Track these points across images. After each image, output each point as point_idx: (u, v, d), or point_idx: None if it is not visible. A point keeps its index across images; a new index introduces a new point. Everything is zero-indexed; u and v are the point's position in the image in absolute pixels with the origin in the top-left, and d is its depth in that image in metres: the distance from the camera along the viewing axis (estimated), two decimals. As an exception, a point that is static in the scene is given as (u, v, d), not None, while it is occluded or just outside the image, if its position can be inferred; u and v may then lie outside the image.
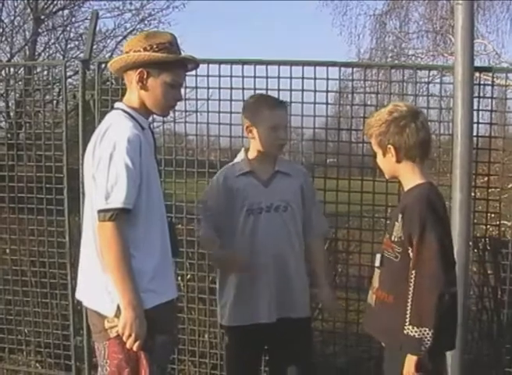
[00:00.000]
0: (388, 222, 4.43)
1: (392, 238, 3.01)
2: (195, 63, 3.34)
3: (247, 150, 3.88)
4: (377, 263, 3.15)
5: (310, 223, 3.89)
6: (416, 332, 2.82)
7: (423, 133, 3.03)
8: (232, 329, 3.85)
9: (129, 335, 2.92)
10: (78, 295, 3.27)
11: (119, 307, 2.93)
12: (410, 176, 3.08)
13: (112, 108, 3.30)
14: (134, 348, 2.95)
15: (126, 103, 3.18)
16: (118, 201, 2.90)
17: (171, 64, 3.12)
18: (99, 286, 3.02)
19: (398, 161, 3.05)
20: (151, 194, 3.05)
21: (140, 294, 2.94)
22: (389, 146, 3.03)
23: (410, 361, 2.87)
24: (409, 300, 2.87)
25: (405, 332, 2.86)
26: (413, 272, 2.87)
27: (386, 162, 3.10)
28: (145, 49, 3.07)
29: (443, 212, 3.01)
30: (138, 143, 2.97)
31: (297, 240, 3.82)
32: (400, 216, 2.98)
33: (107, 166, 2.92)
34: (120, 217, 2.91)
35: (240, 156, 3.88)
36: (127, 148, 2.92)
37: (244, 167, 3.81)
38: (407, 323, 2.86)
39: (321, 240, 4.09)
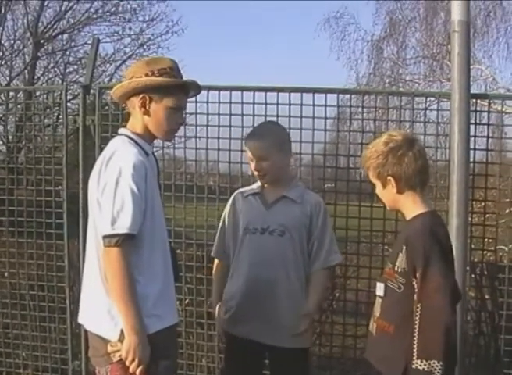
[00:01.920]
0: (386, 247, 4.45)
1: (396, 269, 2.98)
2: (197, 88, 3.36)
3: None
4: (380, 293, 3.11)
5: (317, 254, 3.82)
6: (425, 365, 2.79)
7: (421, 161, 3.01)
8: (229, 335, 3.94)
9: (133, 360, 2.93)
10: (80, 319, 3.27)
11: (122, 331, 2.94)
12: (411, 206, 3.05)
13: (112, 133, 3.31)
14: (137, 373, 2.96)
15: (129, 129, 3.20)
16: (124, 226, 2.91)
17: (173, 89, 3.14)
18: (102, 310, 3.02)
19: (399, 192, 3.03)
20: (154, 220, 3.07)
21: (144, 319, 2.95)
22: (389, 177, 3.01)
23: None
24: (415, 334, 2.84)
25: (413, 367, 2.82)
26: (418, 305, 2.85)
27: (387, 194, 3.08)
28: (146, 75, 3.10)
29: (446, 242, 2.99)
30: (143, 169, 2.99)
31: (294, 267, 3.77)
32: (404, 247, 2.94)
33: (113, 192, 2.94)
34: (126, 243, 2.91)
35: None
36: (133, 174, 2.94)
37: (254, 189, 3.90)
38: (414, 357, 2.82)
39: (325, 272, 3.88)
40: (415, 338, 2.84)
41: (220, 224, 4.01)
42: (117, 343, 2.97)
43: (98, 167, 3.10)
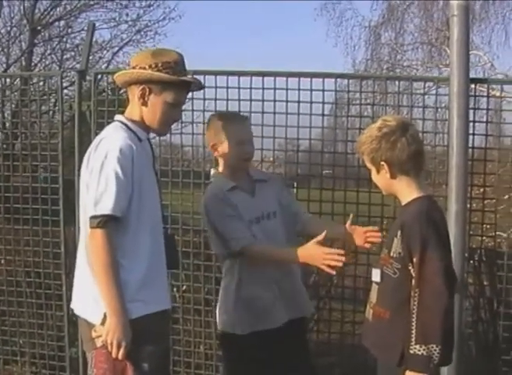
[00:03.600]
0: (384, 233, 4.42)
1: (391, 254, 2.98)
2: (198, 86, 3.42)
3: (217, 169, 3.87)
4: (376, 278, 3.10)
5: (299, 211, 3.96)
6: (424, 350, 2.79)
7: (414, 146, 3.00)
8: (244, 337, 3.75)
9: (112, 342, 2.93)
10: (72, 304, 3.29)
11: (105, 315, 2.95)
12: (406, 191, 3.05)
13: (108, 118, 3.32)
14: (119, 357, 2.95)
15: (126, 116, 3.23)
16: (106, 208, 2.93)
17: (173, 84, 3.15)
18: (88, 294, 3.04)
19: (392, 177, 3.02)
20: (143, 205, 3.06)
21: (127, 304, 2.96)
22: (382, 163, 3.01)
23: None
24: (413, 318, 2.85)
25: (411, 352, 2.82)
26: (416, 290, 2.85)
27: (381, 179, 3.08)
28: (150, 67, 3.12)
29: (443, 227, 2.99)
30: (130, 153, 3.00)
31: (287, 241, 3.79)
32: (399, 232, 2.94)
33: (98, 174, 2.97)
34: (109, 224, 2.94)
35: (215, 176, 3.87)
36: (118, 157, 2.95)
37: (228, 183, 3.77)
38: (412, 343, 2.82)
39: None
40: (413, 323, 2.84)
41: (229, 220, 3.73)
42: (100, 327, 2.97)
43: (88, 153, 3.14)
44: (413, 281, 2.88)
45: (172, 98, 3.16)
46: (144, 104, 3.16)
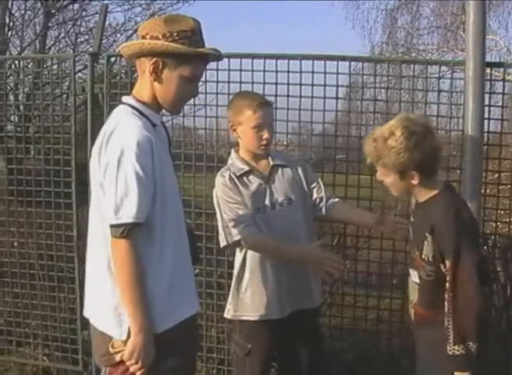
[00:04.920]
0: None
1: (423, 257, 2.96)
2: (217, 56, 2.97)
3: (237, 150, 3.81)
4: (415, 279, 3.11)
5: (323, 196, 3.87)
6: (463, 349, 2.83)
7: (440, 148, 3.01)
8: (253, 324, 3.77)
9: (136, 362, 2.71)
10: (86, 312, 3.03)
11: (129, 331, 2.71)
12: (425, 189, 3.02)
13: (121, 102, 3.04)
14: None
15: (135, 96, 2.87)
16: (129, 215, 2.63)
17: (191, 56, 2.78)
18: (109, 306, 2.78)
19: (421, 182, 2.97)
20: (166, 204, 2.77)
21: (154, 316, 2.72)
22: (414, 172, 2.94)
23: None
24: (449, 321, 2.86)
25: (450, 353, 2.85)
26: (450, 294, 2.86)
27: (403, 185, 3.02)
28: (164, 36, 2.72)
29: (471, 223, 2.98)
30: (149, 146, 2.67)
31: (307, 228, 3.77)
32: (430, 236, 2.90)
33: (115, 175, 2.64)
34: (133, 232, 2.65)
35: (232, 158, 3.80)
36: (137, 153, 2.62)
37: (243, 167, 3.73)
38: (450, 344, 2.85)
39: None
40: (449, 325, 2.86)
41: (236, 199, 3.69)
42: (119, 343, 2.76)
43: (99, 145, 2.78)
44: (447, 284, 2.89)
45: (189, 72, 2.78)
46: (157, 79, 2.79)
